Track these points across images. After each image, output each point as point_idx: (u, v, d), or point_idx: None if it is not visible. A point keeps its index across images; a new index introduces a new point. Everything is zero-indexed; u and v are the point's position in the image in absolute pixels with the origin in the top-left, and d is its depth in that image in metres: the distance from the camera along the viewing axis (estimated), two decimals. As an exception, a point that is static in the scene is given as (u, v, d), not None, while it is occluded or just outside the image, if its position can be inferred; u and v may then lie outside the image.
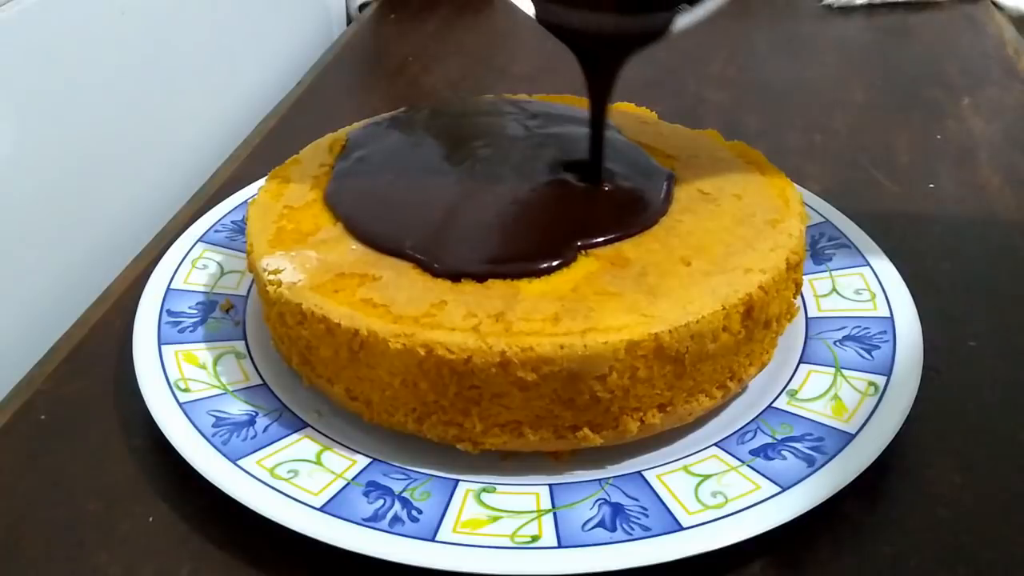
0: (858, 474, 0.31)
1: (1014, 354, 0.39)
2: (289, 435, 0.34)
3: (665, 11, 0.36)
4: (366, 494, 0.31)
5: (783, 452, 0.32)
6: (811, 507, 0.30)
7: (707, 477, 0.31)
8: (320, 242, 0.36)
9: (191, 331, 0.38)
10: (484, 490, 0.31)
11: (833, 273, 0.41)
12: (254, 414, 0.34)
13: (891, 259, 0.41)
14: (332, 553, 0.29)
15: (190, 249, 0.43)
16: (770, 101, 0.61)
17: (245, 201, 0.46)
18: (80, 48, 0.45)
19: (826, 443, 0.32)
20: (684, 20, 0.36)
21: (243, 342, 0.38)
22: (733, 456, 0.32)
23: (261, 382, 0.36)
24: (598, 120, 0.39)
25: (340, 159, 0.41)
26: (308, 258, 0.35)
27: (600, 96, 0.38)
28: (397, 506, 0.30)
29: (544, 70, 0.67)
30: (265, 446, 0.33)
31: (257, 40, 0.66)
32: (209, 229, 0.44)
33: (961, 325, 0.40)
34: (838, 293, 0.40)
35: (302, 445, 0.33)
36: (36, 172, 0.42)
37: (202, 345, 0.38)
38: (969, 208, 0.49)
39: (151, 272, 0.41)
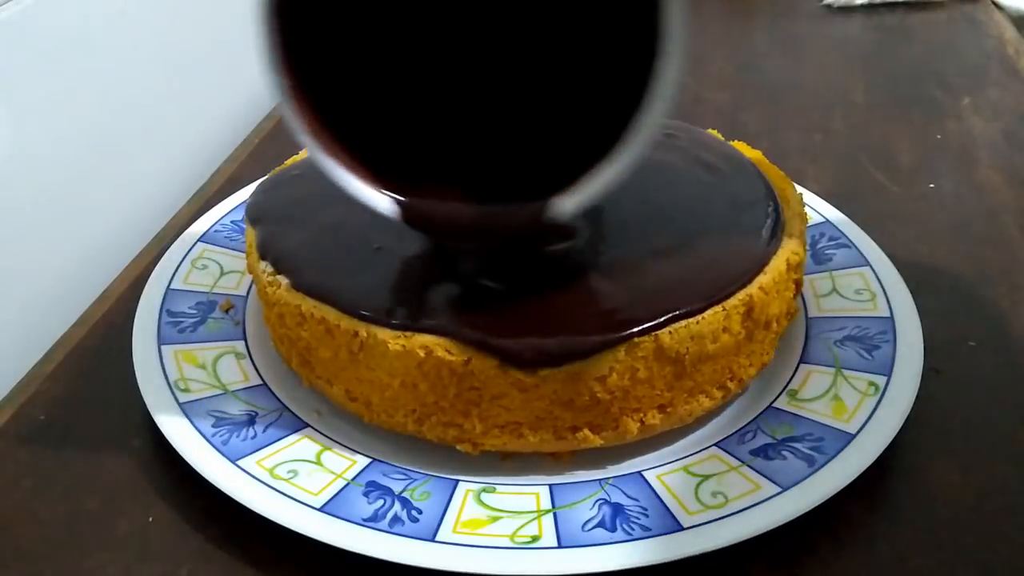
0: (858, 474, 0.31)
1: (1014, 354, 0.38)
2: (289, 435, 0.33)
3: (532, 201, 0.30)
4: (366, 494, 0.31)
5: (783, 452, 0.32)
6: (811, 507, 0.30)
7: (707, 477, 0.31)
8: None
9: (191, 331, 0.38)
10: (484, 490, 0.31)
11: (833, 273, 0.41)
12: (254, 414, 0.34)
13: (891, 259, 0.41)
14: (332, 553, 0.29)
15: (190, 249, 0.43)
16: (770, 101, 0.61)
17: (245, 201, 0.46)
18: (80, 48, 0.45)
19: (826, 443, 0.32)
20: (568, 203, 0.29)
21: (243, 342, 0.38)
22: (733, 456, 0.32)
23: (261, 382, 0.36)
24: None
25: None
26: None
27: None
28: (397, 506, 0.30)
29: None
30: (265, 446, 0.33)
31: (257, 40, 0.66)
32: (209, 229, 0.44)
33: (961, 325, 0.40)
34: (838, 293, 0.39)
35: (302, 445, 0.33)
36: (36, 172, 0.42)
37: (202, 345, 0.38)
38: (969, 208, 0.49)
39: (151, 272, 0.41)
